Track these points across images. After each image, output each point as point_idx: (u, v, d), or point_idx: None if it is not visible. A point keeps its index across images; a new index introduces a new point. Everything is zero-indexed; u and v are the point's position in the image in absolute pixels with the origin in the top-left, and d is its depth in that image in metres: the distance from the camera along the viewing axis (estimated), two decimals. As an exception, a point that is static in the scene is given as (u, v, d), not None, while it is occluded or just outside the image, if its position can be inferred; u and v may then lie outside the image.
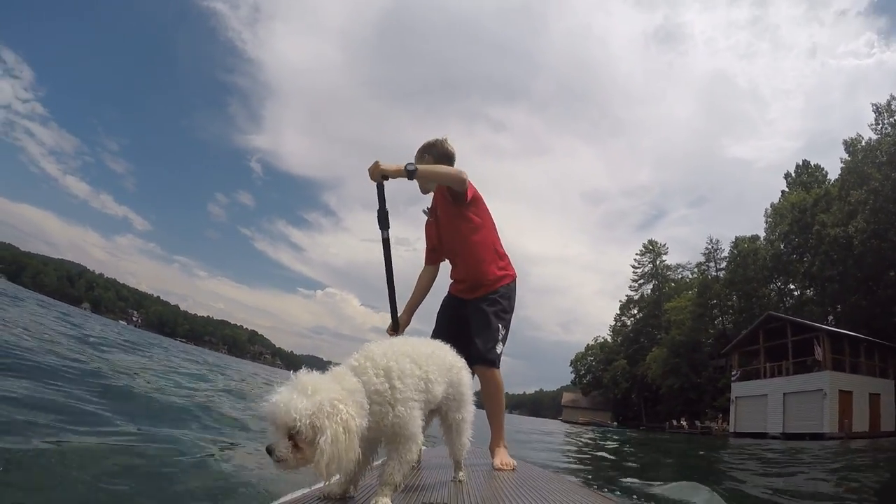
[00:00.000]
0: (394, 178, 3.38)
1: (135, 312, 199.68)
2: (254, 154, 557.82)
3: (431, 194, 3.94)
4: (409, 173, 3.35)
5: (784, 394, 34.44)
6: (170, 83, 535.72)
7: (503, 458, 3.39)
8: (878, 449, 19.17)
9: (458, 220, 3.74)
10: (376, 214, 3.58)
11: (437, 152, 3.81)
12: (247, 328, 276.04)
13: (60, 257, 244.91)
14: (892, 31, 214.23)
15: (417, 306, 3.92)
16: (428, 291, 4.02)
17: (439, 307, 4.01)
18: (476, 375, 3.41)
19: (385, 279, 3.62)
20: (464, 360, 2.51)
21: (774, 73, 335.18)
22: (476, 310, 3.69)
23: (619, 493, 4.42)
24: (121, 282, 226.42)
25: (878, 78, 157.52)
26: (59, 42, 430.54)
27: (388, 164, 3.36)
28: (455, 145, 3.89)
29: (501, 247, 3.88)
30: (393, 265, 3.60)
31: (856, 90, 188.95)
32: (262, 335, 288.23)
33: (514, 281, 3.84)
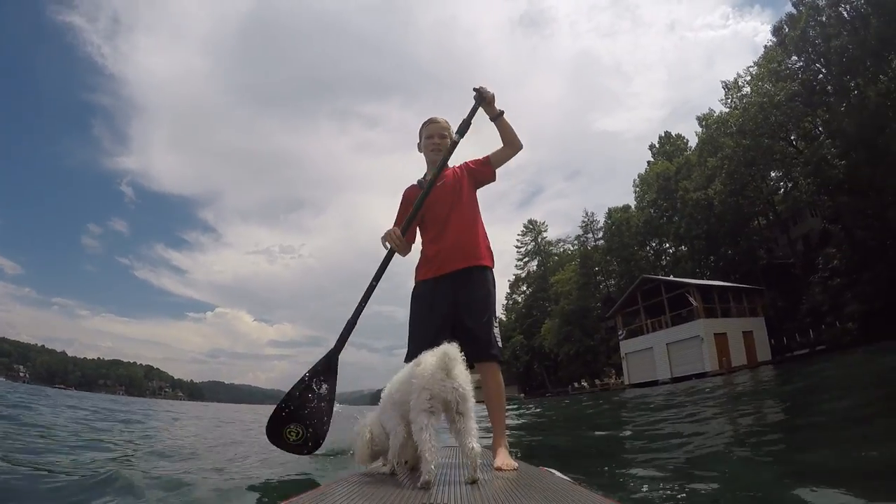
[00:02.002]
0: (487, 107, 3.69)
1: (21, 367, 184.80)
2: (123, 177, 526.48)
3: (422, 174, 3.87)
4: (500, 113, 3.68)
5: (667, 344, 38.70)
6: (29, 109, 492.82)
7: (504, 458, 3.18)
8: (746, 379, 22.45)
9: (470, 190, 3.78)
10: (461, 122, 3.76)
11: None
12: (141, 364, 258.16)
13: None
14: (746, 4, 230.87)
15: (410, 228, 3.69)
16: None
17: (410, 317, 3.69)
18: (479, 373, 3.39)
19: (433, 173, 3.70)
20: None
21: (636, 49, 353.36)
22: (473, 282, 3.51)
23: (619, 493, 4.37)
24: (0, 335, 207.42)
25: (733, 47, 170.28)
26: None
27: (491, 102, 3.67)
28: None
29: None
30: (445, 167, 3.75)
31: (713, 59, 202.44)
32: (158, 368, 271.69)
33: (493, 266, 3.74)
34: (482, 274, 3.58)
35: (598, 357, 58.30)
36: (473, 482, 2.40)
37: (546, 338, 68.00)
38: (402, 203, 3.88)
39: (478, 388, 2.95)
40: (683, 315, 38.29)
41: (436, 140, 3.79)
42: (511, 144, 3.76)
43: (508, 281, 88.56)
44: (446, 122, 3.85)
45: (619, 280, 61.97)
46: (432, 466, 2.34)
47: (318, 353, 3.19)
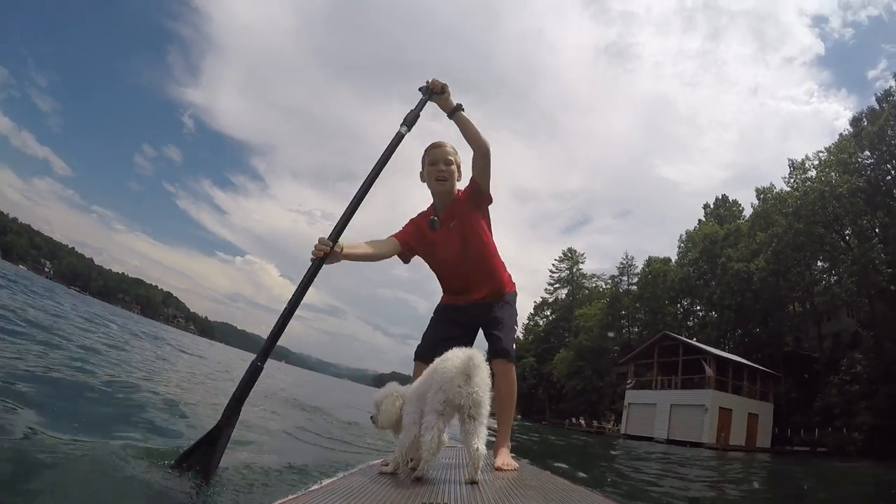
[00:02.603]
0: (440, 101, 3.43)
1: (47, 263, 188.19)
2: (187, 108, 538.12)
3: (428, 205, 3.63)
4: (456, 108, 3.38)
5: (671, 405, 38.47)
6: (110, 22, 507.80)
7: (505, 458, 3.17)
8: (737, 460, 22.26)
9: (476, 224, 3.50)
10: (408, 113, 3.52)
11: (458, 161, 3.57)
12: (162, 289, 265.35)
13: None
14: (833, 85, 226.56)
15: (353, 256, 3.27)
16: (373, 259, 3.45)
17: (433, 316, 3.72)
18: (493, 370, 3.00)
19: (372, 170, 3.44)
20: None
21: (714, 104, 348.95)
22: (491, 311, 3.47)
23: (620, 494, 4.35)
24: (35, 228, 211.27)
25: (811, 125, 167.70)
26: None
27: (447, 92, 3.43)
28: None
29: None
30: (387, 163, 3.48)
31: (789, 133, 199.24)
32: (176, 297, 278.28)
33: (515, 290, 3.69)
34: (502, 302, 3.54)
35: (603, 399, 58.18)
36: (473, 483, 2.39)
37: (557, 367, 68.06)
38: (411, 225, 3.62)
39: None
40: (695, 381, 38.04)
41: (441, 167, 3.46)
42: (475, 146, 3.36)
43: (534, 302, 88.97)
44: (452, 148, 3.53)
45: (643, 329, 61.59)
46: (428, 466, 2.42)
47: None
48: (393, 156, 3.49)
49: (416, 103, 3.52)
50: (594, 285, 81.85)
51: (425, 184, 3.57)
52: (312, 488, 2.27)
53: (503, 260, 3.69)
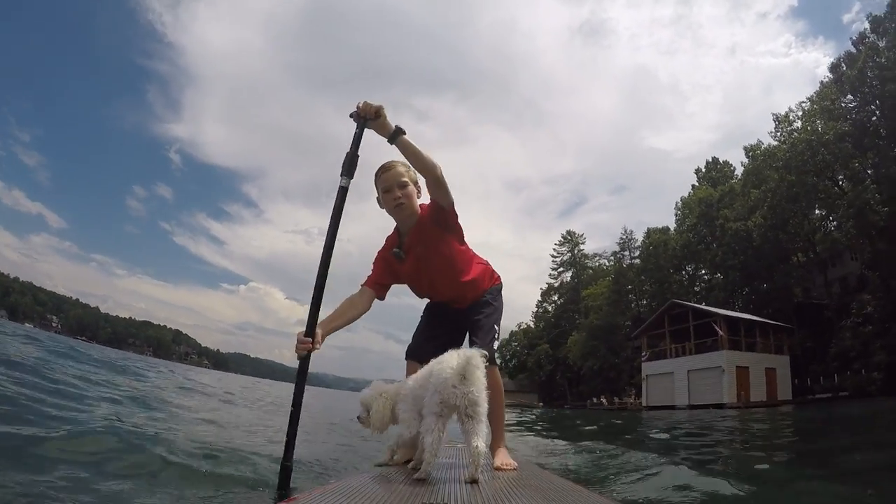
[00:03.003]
0: (377, 127, 3.08)
1: (54, 318, 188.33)
2: (172, 144, 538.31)
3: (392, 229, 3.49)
4: (395, 132, 3.02)
5: (688, 371, 38.81)
6: (86, 69, 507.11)
7: (504, 458, 3.20)
8: (756, 416, 22.43)
9: (442, 244, 3.35)
10: (345, 157, 3.18)
11: (413, 177, 3.34)
12: (171, 328, 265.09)
13: None
14: (809, 34, 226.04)
15: (336, 329, 3.25)
16: (354, 319, 3.37)
17: (424, 314, 3.73)
18: None
19: (325, 241, 3.17)
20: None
21: (695, 69, 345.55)
22: (471, 311, 3.45)
23: (620, 494, 4.45)
24: (37, 284, 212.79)
25: (793, 76, 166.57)
26: None
27: (384, 117, 3.06)
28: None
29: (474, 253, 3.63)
30: (339, 224, 3.19)
31: (772, 87, 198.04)
32: (186, 334, 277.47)
33: (499, 283, 3.64)
34: (481, 301, 3.48)
35: (621, 375, 58.26)
36: (474, 481, 2.39)
37: (572, 350, 68.15)
38: (378, 261, 3.51)
39: None
40: (708, 344, 38.23)
41: (396, 193, 3.25)
42: (424, 173, 3.14)
43: (541, 289, 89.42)
44: (404, 167, 3.27)
45: (651, 301, 61.61)
46: (430, 467, 2.44)
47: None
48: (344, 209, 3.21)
49: (352, 139, 3.17)
50: (597, 264, 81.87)
51: (384, 210, 3.37)
52: (312, 489, 2.35)
53: (485, 258, 3.66)
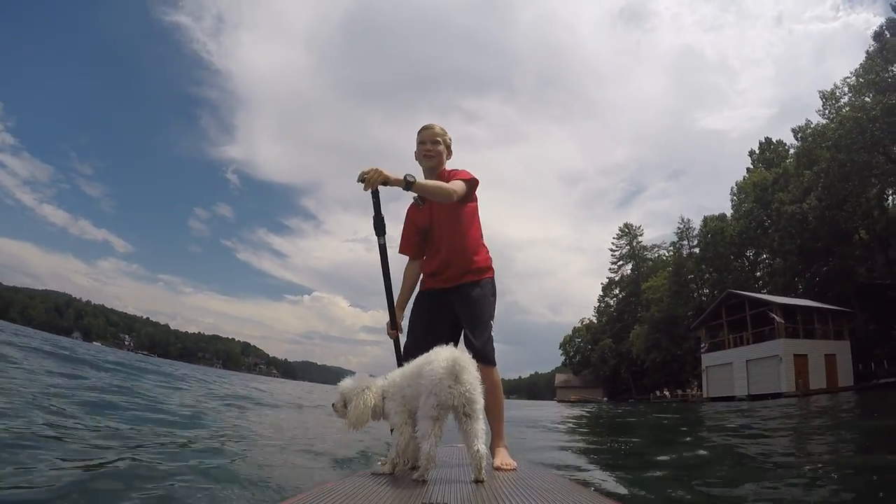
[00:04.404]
0: (392, 186, 3.27)
1: (126, 336, 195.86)
2: (229, 165, 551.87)
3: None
4: (408, 185, 3.23)
5: (746, 361, 38.30)
6: (139, 101, 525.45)
7: (504, 458, 3.24)
8: (817, 404, 22.07)
9: (458, 206, 3.63)
10: (372, 221, 3.53)
11: (450, 147, 3.82)
12: (238, 340, 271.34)
13: (45, 288, 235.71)
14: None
15: (407, 302, 3.84)
16: (416, 286, 3.89)
17: (412, 311, 3.84)
18: None
19: (383, 282, 3.63)
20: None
21: (742, 43, 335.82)
22: (465, 297, 3.60)
23: (620, 494, 4.45)
24: (108, 307, 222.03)
25: (844, 40, 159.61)
26: (24, 70, 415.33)
27: (388, 171, 3.23)
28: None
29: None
30: (390, 269, 3.61)
31: (824, 54, 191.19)
32: (254, 346, 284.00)
33: (493, 275, 3.80)
34: (480, 286, 3.64)
35: (684, 367, 57.56)
36: (478, 483, 2.42)
37: (634, 344, 67.78)
38: (405, 221, 3.92)
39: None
40: (765, 333, 37.65)
41: (428, 146, 3.69)
42: (444, 201, 3.48)
43: (601, 283, 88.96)
44: (441, 129, 3.76)
45: (713, 289, 60.23)
46: (428, 474, 2.46)
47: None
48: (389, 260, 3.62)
49: (373, 206, 3.51)
50: (656, 255, 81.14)
51: (417, 161, 3.80)
52: (313, 489, 2.31)
53: (483, 245, 3.83)
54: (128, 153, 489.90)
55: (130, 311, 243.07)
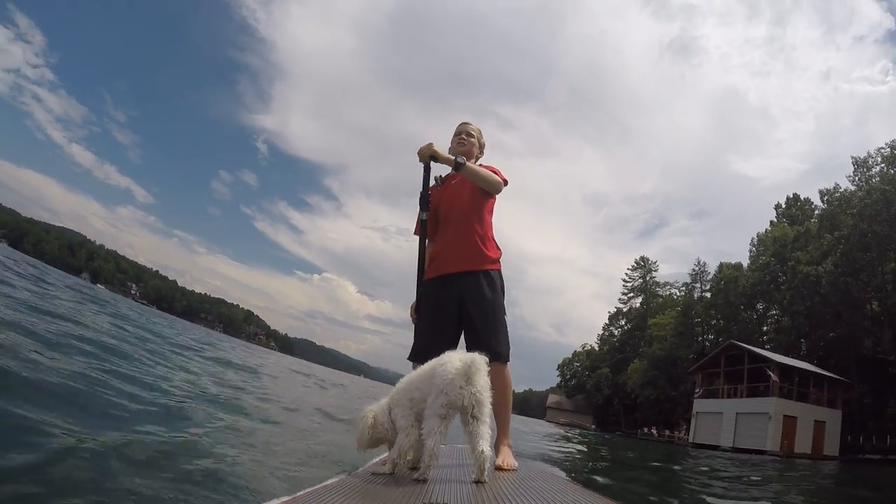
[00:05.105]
0: (441, 163, 3.53)
1: (133, 286, 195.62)
2: (260, 134, 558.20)
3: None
4: (458, 165, 3.41)
5: (737, 413, 38.27)
6: (181, 58, 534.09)
7: (506, 457, 3.22)
8: (797, 467, 22.17)
9: (476, 189, 3.66)
10: (419, 195, 3.64)
11: (482, 148, 4.02)
12: (243, 307, 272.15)
13: (61, 225, 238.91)
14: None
15: None
16: None
17: (419, 309, 3.74)
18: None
19: (417, 260, 3.73)
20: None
21: (786, 93, 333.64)
22: (476, 291, 3.54)
23: (620, 494, 4.37)
24: (120, 253, 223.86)
25: (890, 105, 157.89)
26: (72, 10, 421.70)
27: (440, 148, 3.50)
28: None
29: None
30: (426, 248, 3.74)
31: (867, 116, 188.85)
32: (257, 316, 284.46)
33: (501, 268, 3.77)
34: (489, 276, 3.59)
35: (677, 408, 57.41)
36: (478, 483, 2.42)
37: (631, 377, 67.79)
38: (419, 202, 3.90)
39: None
40: (760, 389, 37.59)
41: (462, 137, 3.88)
42: (491, 190, 3.68)
43: (609, 312, 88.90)
44: (477, 128, 3.98)
45: (718, 336, 60.71)
46: (430, 471, 2.45)
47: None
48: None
49: (422, 182, 3.67)
50: (668, 293, 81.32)
51: (450, 152, 3.78)
52: (313, 488, 2.29)
53: (492, 237, 3.79)
54: (163, 106, 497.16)
55: (141, 261, 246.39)
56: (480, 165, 3.73)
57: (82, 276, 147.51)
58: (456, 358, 2.49)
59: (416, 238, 3.78)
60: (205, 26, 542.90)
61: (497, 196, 3.78)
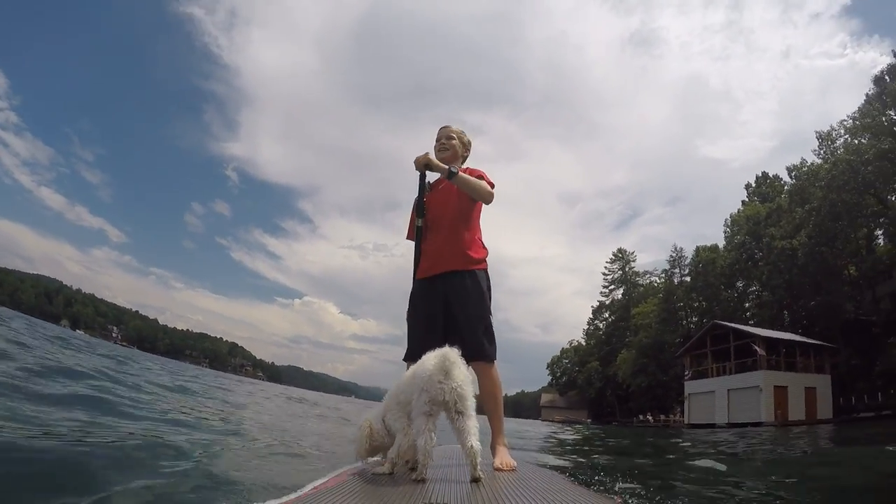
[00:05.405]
0: (433, 172, 3.66)
1: (114, 328, 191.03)
2: (230, 162, 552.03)
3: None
4: (451, 174, 3.51)
5: (728, 390, 39.00)
6: (145, 91, 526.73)
7: (503, 457, 3.19)
8: (791, 433, 22.70)
9: (465, 198, 3.73)
10: (414, 201, 3.84)
11: (467, 146, 4.05)
12: (227, 340, 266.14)
13: (36, 272, 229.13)
14: (864, 33, 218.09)
15: None
16: None
17: (409, 310, 3.82)
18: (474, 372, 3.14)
19: (413, 264, 3.84)
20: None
21: (748, 75, 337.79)
22: (460, 290, 3.58)
23: (620, 493, 4.44)
24: (98, 296, 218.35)
25: (850, 78, 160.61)
26: (34, 50, 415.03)
27: (434, 158, 3.65)
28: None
29: None
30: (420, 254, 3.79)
31: (828, 90, 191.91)
32: (242, 347, 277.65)
33: (487, 268, 3.81)
34: (473, 276, 3.62)
35: (669, 392, 57.74)
36: (476, 480, 2.42)
37: (621, 368, 68.33)
38: (413, 208, 4.06)
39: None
40: (748, 364, 38.24)
41: (442, 142, 3.91)
42: (481, 200, 3.76)
43: (592, 307, 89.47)
44: (459, 129, 4.00)
45: (702, 318, 61.36)
46: (426, 469, 2.46)
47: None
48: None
49: (418, 189, 3.86)
50: (648, 282, 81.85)
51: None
52: (313, 488, 2.33)
53: (480, 238, 3.86)
54: (130, 142, 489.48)
55: (120, 302, 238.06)
56: (467, 169, 3.79)
57: (62, 323, 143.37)
58: (431, 355, 2.55)
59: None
60: (167, 57, 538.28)
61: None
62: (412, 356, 3.32)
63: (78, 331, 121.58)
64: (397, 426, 2.69)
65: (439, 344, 2.72)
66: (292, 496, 2.13)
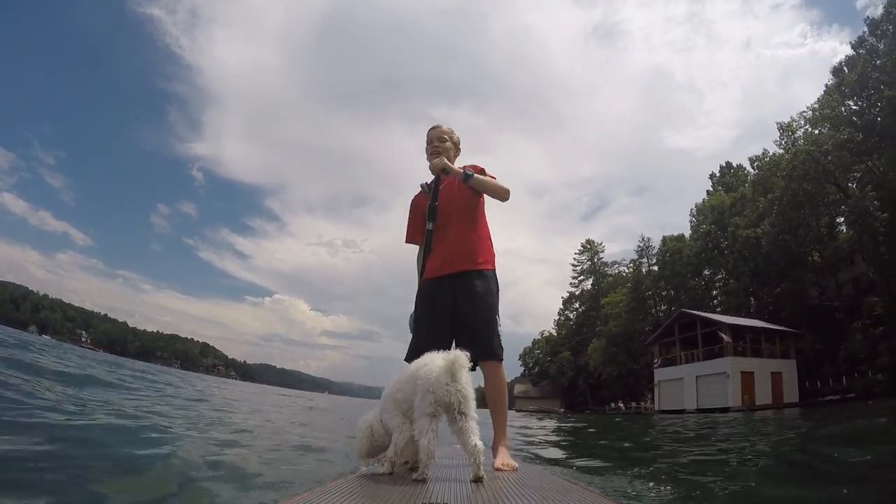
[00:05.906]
0: (451, 176, 3.67)
1: (83, 333, 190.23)
2: (195, 162, 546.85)
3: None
4: (467, 177, 3.55)
5: (696, 376, 40.11)
6: (107, 93, 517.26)
7: (505, 458, 3.19)
8: (759, 418, 23.21)
9: (469, 196, 3.77)
10: (410, 204, 3.88)
11: (457, 145, 4.01)
12: (198, 340, 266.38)
13: (1, 279, 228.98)
14: (824, 22, 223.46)
15: None
16: None
17: (416, 307, 3.78)
18: (483, 372, 3.48)
19: (417, 268, 3.88)
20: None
21: (711, 65, 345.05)
22: (470, 290, 3.56)
23: (620, 493, 4.51)
24: (66, 301, 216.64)
25: (809, 66, 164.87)
26: None
27: (449, 163, 3.63)
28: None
29: None
30: (427, 256, 3.79)
31: (789, 78, 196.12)
32: (213, 347, 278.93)
33: (495, 269, 3.81)
34: (482, 276, 3.62)
35: (640, 380, 58.88)
36: (478, 480, 2.43)
37: (592, 357, 69.16)
38: (410, 210, 4.07)
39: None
40: (715, 351, 39.15)
41: (435, 144, 3.83)
42: (498, 199, 3.77)
43: (562, 297, 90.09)
44: (449, 129, 3.93)
45: (670, 306, 62.31)
46: (427, 470, 2.48)
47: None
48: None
49: (431, 195, 3.87)
50: (617, 272, 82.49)
51: (427, 159, 3.85)
52: (313, 489, 2.30)
53: (490, 238, 3.87)
54: (92, 145, 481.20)
55: (88, 306, 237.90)
56: (465, 167, 3.75)
57: (30, 329, 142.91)
58: (439, 357, 2.55)
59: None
60: (128, 58, 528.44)
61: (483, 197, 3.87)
62: (415, 356, 3.15)
63: (44, 335, 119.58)
64: (394, 424, 2.71)
65: (445, 344, 2.83)
66: (293, 497, 2.13)
